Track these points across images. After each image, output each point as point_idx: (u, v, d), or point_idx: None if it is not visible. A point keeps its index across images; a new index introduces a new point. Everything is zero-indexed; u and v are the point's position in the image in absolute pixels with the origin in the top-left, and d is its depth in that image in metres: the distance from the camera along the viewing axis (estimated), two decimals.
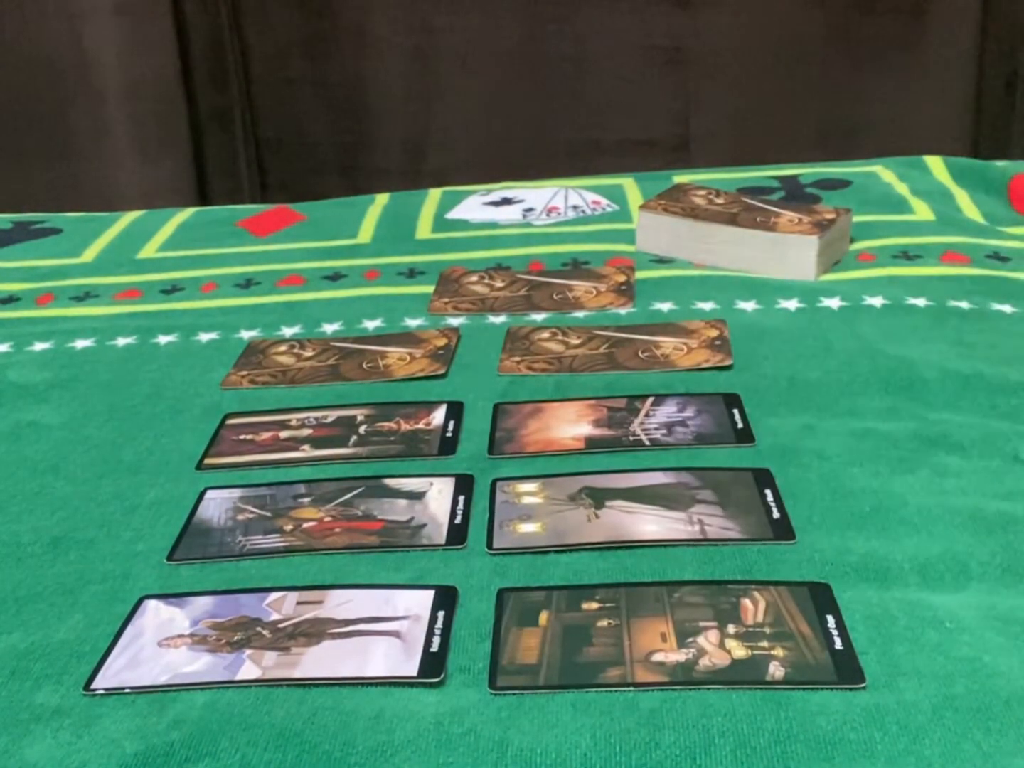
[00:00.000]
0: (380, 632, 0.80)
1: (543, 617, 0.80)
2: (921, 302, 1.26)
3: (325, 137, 2.68)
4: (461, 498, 0.95)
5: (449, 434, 1.06)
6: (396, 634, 0.79)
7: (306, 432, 1.08)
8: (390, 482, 0.99)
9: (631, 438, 1.03)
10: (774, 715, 0.70)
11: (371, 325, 1.29)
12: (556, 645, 0.77)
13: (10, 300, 1.43)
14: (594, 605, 0.81)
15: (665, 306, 1.29)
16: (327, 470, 1.02)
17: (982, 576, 0.83)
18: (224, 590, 0.86)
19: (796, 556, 0.85)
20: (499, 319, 1.29)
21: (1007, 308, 1.25)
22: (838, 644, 0.76)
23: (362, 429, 1.08)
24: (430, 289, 1.38)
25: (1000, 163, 1.73)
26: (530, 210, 1.63)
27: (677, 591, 0.82)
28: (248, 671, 0.77)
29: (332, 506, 0.95)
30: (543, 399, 1.11)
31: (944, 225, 1.48)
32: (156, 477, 1.02)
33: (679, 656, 0.75)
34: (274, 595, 0.84)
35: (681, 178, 1.66)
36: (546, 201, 1.66)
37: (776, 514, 0.90)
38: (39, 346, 1.29)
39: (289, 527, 0.93)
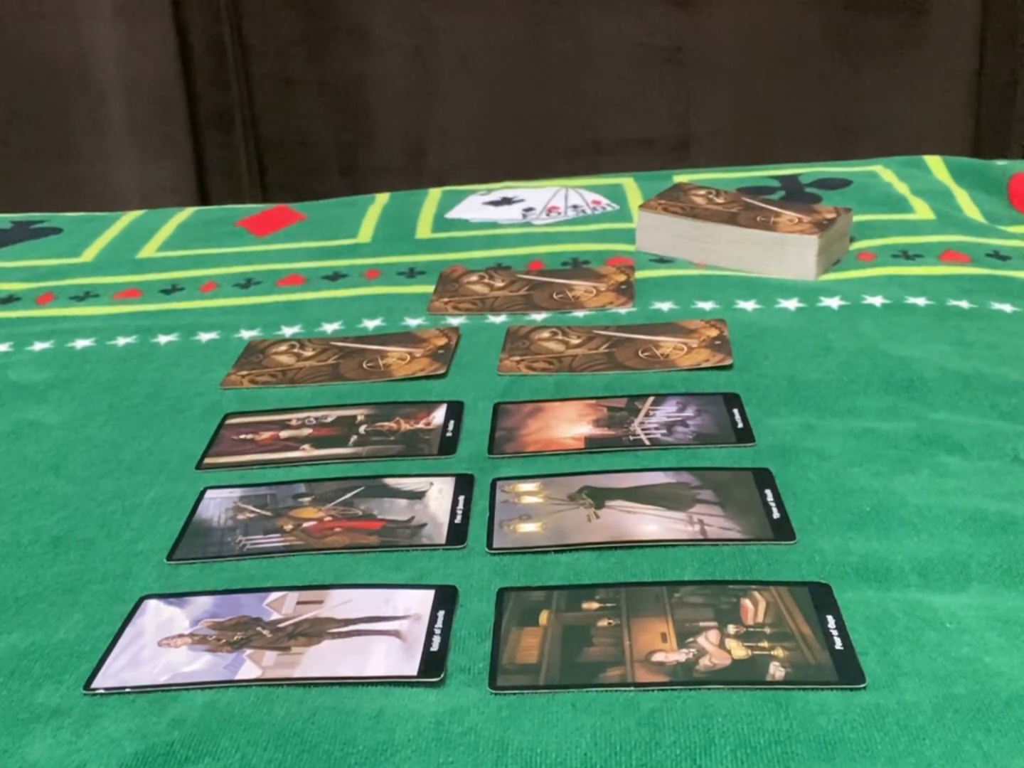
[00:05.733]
0: (380, 632, 0.80)
1: (543, 617, 0.80)
2: (921, 301, 1.26)
3: (325, 137, 2.68)
4: (461, 498, 0.95)
5: (449, 434, 1.06)
6: (396, 634, 0.79)
7: (306, 432, 1.08)
8: (390, 482, 0.99)
9: (631, 438, 1.03)
10: (774, 715, 0.70)
11: (371, 325, 1.29)
12: (556, 645, 0.77)
13: (10, 300, 1.43)
14: (594, 605, 0.81)
15: (665, 306, 1.29)
16: (327, 470, 1.02)
17: (982, 577, 0.83)
18: (224, 590, 0.86)
19: (796, 556, 0.85)
20: (499, 319, 1.29)
21: (1007, 307, 1.25)
22: (838, 644, 0.76)
23: (362, 429, 1.08)
24: (430, 289, 1.38)
25: (1000, 162, 1.73)
26: (530, 210, 1.63)
27: (677, 591, 0.82)
28: (248, 671, 0.77)
29: (332, 506, 0.95)
30: (543, 399, 1.11)
31: (944, 224, 1.48)
32: (156, 477, 1.02)
33: (679, 656, 0.75)
34: (274, 595, 0.84)
35: (681, 178, 1.66)
36: (546, 201, 1.66)
37: (776, 514, 0.90)
38: (39, 346, 1.29)
39: (289, 527, 0.93)
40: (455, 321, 1.29)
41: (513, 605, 0.81)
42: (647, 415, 1.06)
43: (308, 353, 1.23)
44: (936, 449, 0.98)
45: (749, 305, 1.28)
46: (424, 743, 0.70)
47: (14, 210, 1.82)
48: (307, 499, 0.97)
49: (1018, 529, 0.87)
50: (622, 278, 1.36)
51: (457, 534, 0.90)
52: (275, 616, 0.82)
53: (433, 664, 0.76)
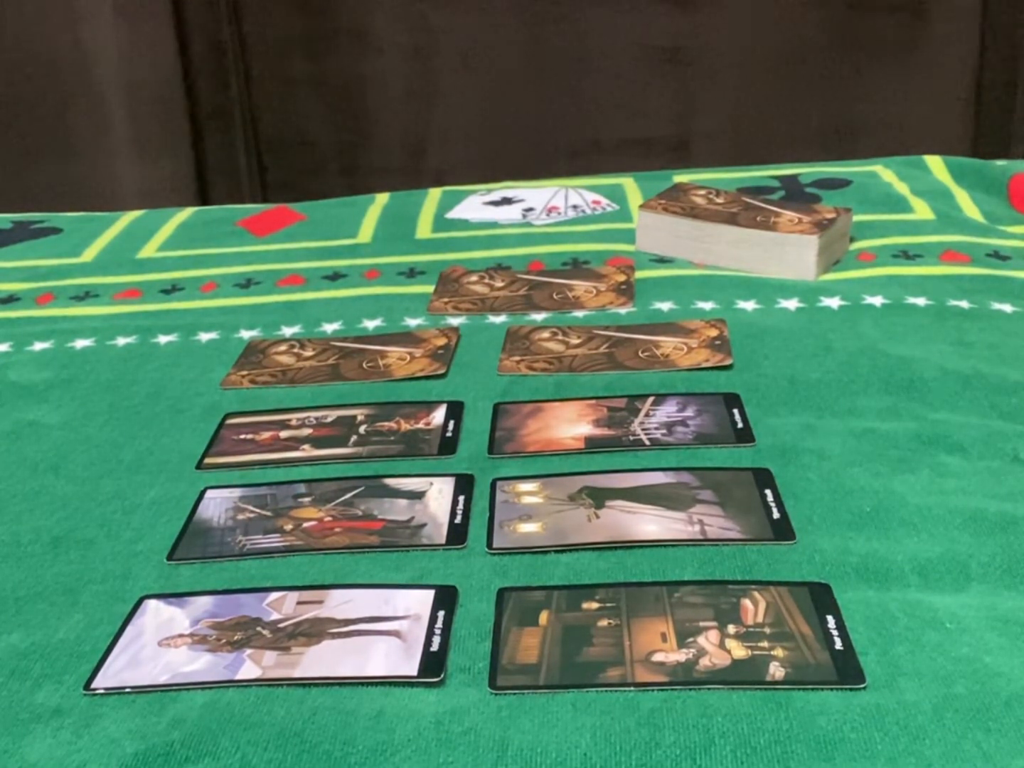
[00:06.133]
0: (380, 632, 0.80)
1: (543, 617, 0.80)
2: (921, 301, 1.26)
3: (325, 137, 2.68)
4: (461, 498, 0.95)
5: (449, 434, 1.06)
6: (396, 634, 0.79)
7: (306, 432, 1.08)
8: (390, 482, 0.99)
9: (631, 438, 1.03)
10: (774, 715, 0.70)
11: (371, 325, 1.29)
12: (556, 645, 0.77)
13: (10, 300, 1.43)
14: (594, 605, 0.81)
15: (665, 306, 1.29)
16: (327, 470, 1.02)
17: (982, 577, 0.83)
18: (224, 590, 0.86)
19: (796, 556, 0.85)
20: (499, 319, 1.29)
21: (1007, 307, 1.25)
22: (838, 644, 0.76)
23: (362, 429, 1.08)
24: (430, 289, 1.38)
25: (1000, 162, 1.73)
26: (530, 210, 1.63)
27: (677, 591, 0.82)
28: (248, 671, 0.77)
29: (332, 506, 0.95)
30: (543, 399, 1.11)
31: (944, 224, 1.48)
32: (156, 477, 1.02)
33: (679, 656, 0.75)
34: (274, 595, 0.84)
35: (681, 178, 1.66)
36: (546, 201, 1.66)
37: (776, 514, 0.90)
38: (39, 346, 1.29)
39: (289, 527, 0.93)
40: (455, 321, 1.29)
41: (513, 605, 0.81)
42: (647, 415, 1.06)
43: (308, 353, 1.23)
44: (936, 449, 0.98)
45: (749, 305, 1.28)
46: (424, 743, 0.70)
47: (14, 210, 1.82)
48: (307, 499, 0.97)
49: (1018, 529, 0.87)
50: (622, 278, 1.36)
51: (457, 534, 0.90)
52: (275, 616, 0.82)
53: (433, 664, 0.76)
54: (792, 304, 1.27)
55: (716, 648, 0.76)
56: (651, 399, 1.09)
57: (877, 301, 1.26)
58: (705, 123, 2.64)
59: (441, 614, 0.81)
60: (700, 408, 1.07)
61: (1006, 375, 1.10)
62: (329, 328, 1.30)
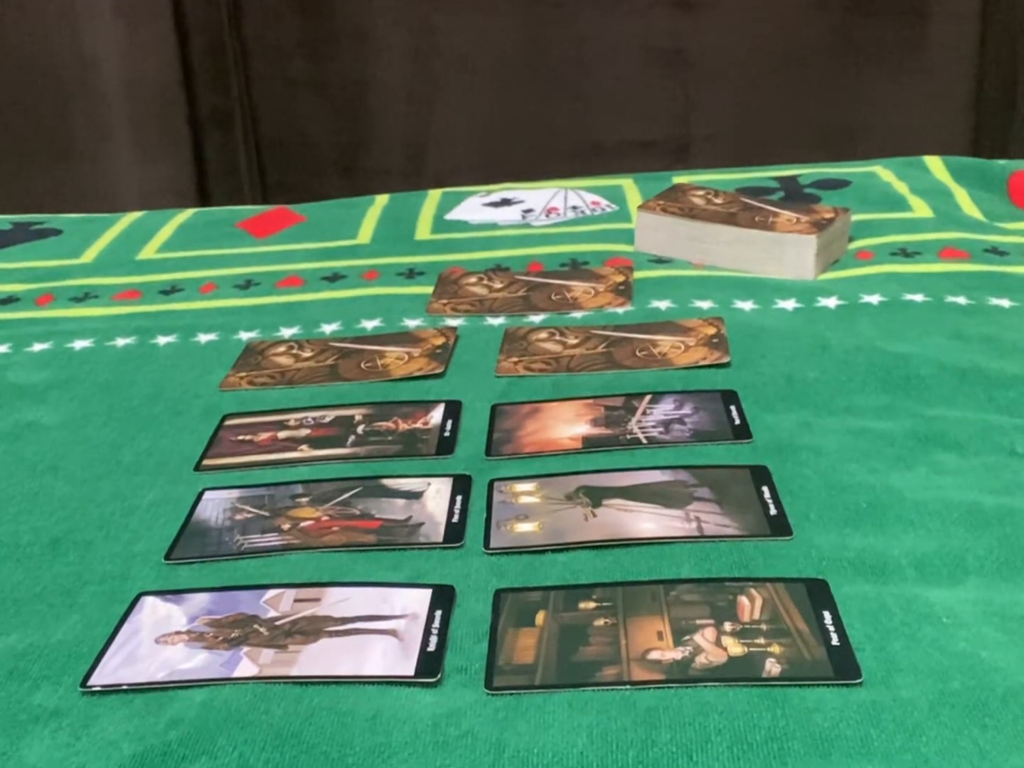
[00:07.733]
0: (378, 631, 0.80)
1: (540, 617, 0.80)
2: (919, 298, 1.26)
3: (325, 138, 2.68)
4: (459, 498, 0.95)
5: (447, 434, 1.06)
6: (393, 633, 0.79)
7: (304, 432, 1.08)
8: (388, 482, 0.99)
9: (628, 436, 1.03)
10: (770, 712, 0.70)
11: (370, 326, 1.29)
12: (553, 645, 0.77)
13: (10, 300, 1.43)
14: (591, 604, 0.81)
15: (663, 306, 1.29)
16: (325, 470, 1.02)
17: (979, 571, 0.83)
18: (221, 587, 0.86)
19: (793, 552, 0.85)
20: (497, 320, 1.29)
21: (1005, 302, 1.25)
22: (835, 640, 0.76)
23: (360, 429, 1.08)
24: (429, 290, 1.38)
25: (1000, 161, 1.73)
26: (529, 211, 1.63)
27: (674, 589, 0.81)
28: (245, 668, 0.77)
29: (330, 506, 0.96)
30: (541, 399, 1.11)
31: (943, 222, 1.48)
32: (155, 478, 1.02)
33: (675, 654, 0.75)
34: (272, 592, 0.84)
35: (680, 178, 1.66)
36: (545, 202, 1.66)
37: (773, 511, 0.90)
38: (38, 347, 1.29)
39: (287, 526, 0.93)
40: (454, 323, 1.29)
41: (510, 606, 0.81)
42: (644, 413, 1.06)
43: (307, 354, 1.23)
44: (933, 445, 0.98)
45: (747, 305, 1.27)
46: (421, 746, 0.70)
47: (14, 211, 1.83)
48: (305, 499, 0.97)
49: (1015, 522, 0.87)
50: (620, 279, 1.36)
51: (454, 534, 0.90)
52: (272, 613, 0.82)
53: (430, 664, 0.76)
54: (790, 304, 1.27)
55: (712, 645, 0.76)
56: (648, 397, 1.09)
57: (875, 299, 1.26)
58: (705, 125, 2.63)
59: (438, 613, 0.81)
60: (697, 405, 1.07)
61: (1004, 368, 1.10)
62: (328, 329, 1.30)
